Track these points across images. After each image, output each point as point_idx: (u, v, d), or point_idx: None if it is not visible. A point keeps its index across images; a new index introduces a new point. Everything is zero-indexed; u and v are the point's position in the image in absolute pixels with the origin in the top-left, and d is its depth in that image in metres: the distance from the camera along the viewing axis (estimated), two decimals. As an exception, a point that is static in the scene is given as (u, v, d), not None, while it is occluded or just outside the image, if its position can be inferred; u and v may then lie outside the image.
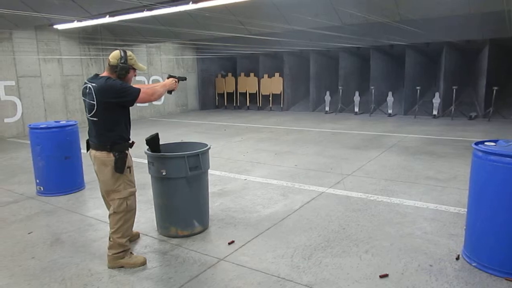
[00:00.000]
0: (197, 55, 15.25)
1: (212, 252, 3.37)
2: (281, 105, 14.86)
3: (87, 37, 11.36)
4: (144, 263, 3.18)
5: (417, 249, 3.29)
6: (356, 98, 13.05)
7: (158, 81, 13.91)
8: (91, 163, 3.23)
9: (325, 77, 14.45)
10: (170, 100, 14.64)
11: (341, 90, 13.29)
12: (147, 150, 3.64)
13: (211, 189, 4.03)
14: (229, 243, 3.51)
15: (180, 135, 9.14)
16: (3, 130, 9.86)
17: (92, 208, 4.61)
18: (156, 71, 13.94)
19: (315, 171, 5.93)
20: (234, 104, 15.95)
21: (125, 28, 10.12)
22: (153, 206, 3.84)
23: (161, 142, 3.72)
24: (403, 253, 3.24)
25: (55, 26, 9.41)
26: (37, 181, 5.11)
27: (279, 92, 14.75)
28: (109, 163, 3.03)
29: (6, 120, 9.89)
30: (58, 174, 5.03)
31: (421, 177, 5.45)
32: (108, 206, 3.33)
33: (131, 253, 3.23)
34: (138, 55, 13.16)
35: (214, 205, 4.42)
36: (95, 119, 3.02)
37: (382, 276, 2.88)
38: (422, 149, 7.31)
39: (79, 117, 11.37)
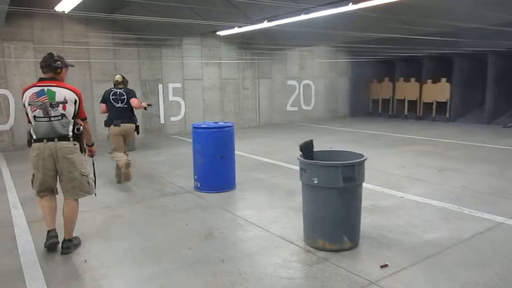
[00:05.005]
0: (350, 59, 14.70)
1: (362, 272, 3.07)
2: (447, 115, 13.08)
3: (245, 42, 11.96)
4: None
5: None
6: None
7: (309, 85, 13.97)
8: (242, 164, 3.37)
9: (507, 83, 12.19)
10: (320, 106, 14.36)
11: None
12: (300, 156, 3.53)
13: (362, 203, 3.70)
14: (382, 266, 3.14)
15: (329, 142, 8.84)
16: (169, 127, 11.18)
17: (243, 209, 4.76)
18: (307, 75, 13.88)
19: (489, 195, 4.97)
20: (390, 112, 14.79)
21: (280, 32, 10.36)
22: (301, 214, 3.72)
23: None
24: None
25: (218, 33, 10.25)
26: (195, 177, 5.50)
27: (445, 100, 13.04)
28: (133, 129, 5.88)
29: (172, 119, 11.22)
30: (213, 172, 5.33)
31: None
32: (122, 150, 5.82)
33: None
34: (291, 59, 13.36)
35: (365, 221, 4.05)
36: (125, 106, 5.74)
37: None
38: None
39: (233, 118, 12.08)
